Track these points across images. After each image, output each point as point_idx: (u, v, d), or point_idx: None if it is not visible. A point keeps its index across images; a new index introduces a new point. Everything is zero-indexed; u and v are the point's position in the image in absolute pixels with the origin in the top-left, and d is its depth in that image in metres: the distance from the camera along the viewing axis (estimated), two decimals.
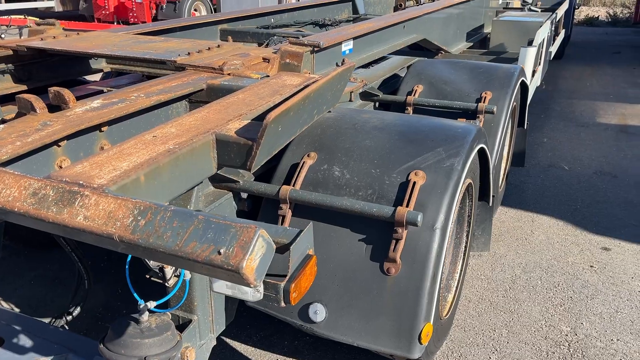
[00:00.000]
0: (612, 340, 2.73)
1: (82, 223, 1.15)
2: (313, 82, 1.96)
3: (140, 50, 2.52)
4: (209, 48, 2.46)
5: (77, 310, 2.58)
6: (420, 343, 1.93)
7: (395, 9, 7.91)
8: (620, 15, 16.82)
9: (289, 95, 1.85)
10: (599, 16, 16.81)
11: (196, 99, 2.06)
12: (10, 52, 2.64)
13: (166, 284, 1.97)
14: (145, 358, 1.70)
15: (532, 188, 4.56)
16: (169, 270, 1.93)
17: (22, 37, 3.04)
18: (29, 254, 3.47)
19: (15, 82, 2.74)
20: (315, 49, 2.47)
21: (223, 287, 1.35)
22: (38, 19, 12.67)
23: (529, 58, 4.72)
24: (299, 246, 1.29)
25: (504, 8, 8.71)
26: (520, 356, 2.61)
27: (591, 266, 3.40)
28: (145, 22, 12.74)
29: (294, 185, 2.13)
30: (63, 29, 3.75)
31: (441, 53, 5.27)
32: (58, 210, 1.18)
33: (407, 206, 1.95)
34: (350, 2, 6.42)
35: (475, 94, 3.45)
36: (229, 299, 2.29)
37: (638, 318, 2.89)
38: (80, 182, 1.23)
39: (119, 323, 1.82)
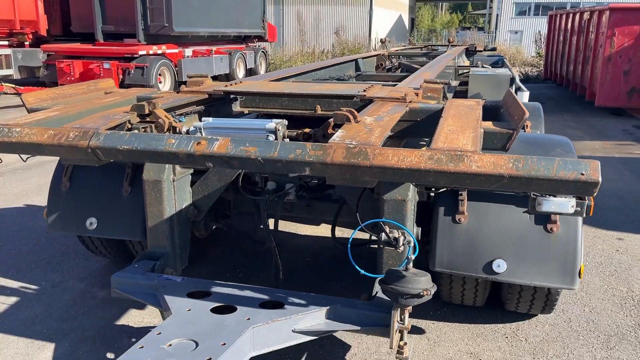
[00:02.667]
0: None
1: (477, 170, 1.91)
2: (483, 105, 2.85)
3: (322, 90, 3.28)
4: (367, 88, 3.27)
5: None
6: (580, 277, 2.76)
7: (377, 67, 9.10)
8: (530, 73, 19.34)
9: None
10: None
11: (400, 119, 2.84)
12: (206, 96, 3.29)
13: (398, 249, 2.69)
14: (424, 290, 2.38)
15: None
16: (401, 239, 2.65)
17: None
18: None
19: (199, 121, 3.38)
20: (447, 85, 3.37)
21: (551, 206, 2.12)
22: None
23: (524, 100, 5.89)
24: None
25: (458, 66, 10.16)
26: (605, 307, 3.49)
27: (617, 250, 4.41)
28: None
29: None
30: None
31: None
32: (455, 165, 1.93)
33: None
34: (354, 62, 7.52)
35: None
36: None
37: None
38: (458, 149, 2.00)
39: (391, 272, 2.50)
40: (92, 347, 3.04)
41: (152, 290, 2.82)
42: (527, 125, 4.43)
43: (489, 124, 2.40)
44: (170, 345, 2.19)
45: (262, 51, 20.10)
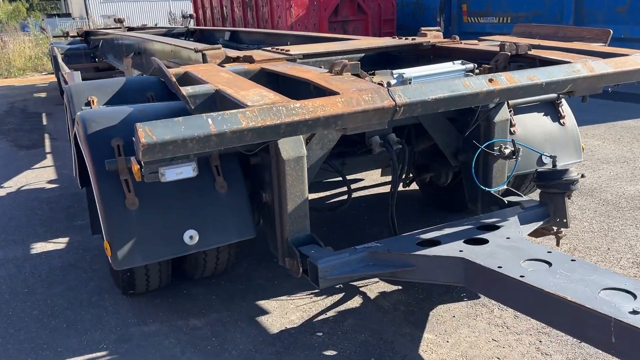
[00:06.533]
0: None
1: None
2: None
3: (338, 48, 3.44)
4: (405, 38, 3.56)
5: None
6: (582, 151, 3.89)
7: None
8: None
9: None
10: None
11: None
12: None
13: (518, 158, 3.27)
14: (579, 174, 3.10)
15: None
16: (519, 151, 3.26)
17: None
18: None
19: None
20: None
21: None
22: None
23: None
24: None
25: None
26: None
27: None
28: None
29: None
30: None
31: None
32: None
33: None
34: None
35: None
36: None
37: None
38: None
39: (545, 171, 3.12)
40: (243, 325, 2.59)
41: (370, 260, 2.64)
42: None
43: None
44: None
45: None
